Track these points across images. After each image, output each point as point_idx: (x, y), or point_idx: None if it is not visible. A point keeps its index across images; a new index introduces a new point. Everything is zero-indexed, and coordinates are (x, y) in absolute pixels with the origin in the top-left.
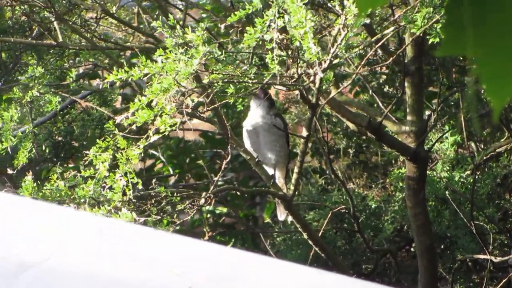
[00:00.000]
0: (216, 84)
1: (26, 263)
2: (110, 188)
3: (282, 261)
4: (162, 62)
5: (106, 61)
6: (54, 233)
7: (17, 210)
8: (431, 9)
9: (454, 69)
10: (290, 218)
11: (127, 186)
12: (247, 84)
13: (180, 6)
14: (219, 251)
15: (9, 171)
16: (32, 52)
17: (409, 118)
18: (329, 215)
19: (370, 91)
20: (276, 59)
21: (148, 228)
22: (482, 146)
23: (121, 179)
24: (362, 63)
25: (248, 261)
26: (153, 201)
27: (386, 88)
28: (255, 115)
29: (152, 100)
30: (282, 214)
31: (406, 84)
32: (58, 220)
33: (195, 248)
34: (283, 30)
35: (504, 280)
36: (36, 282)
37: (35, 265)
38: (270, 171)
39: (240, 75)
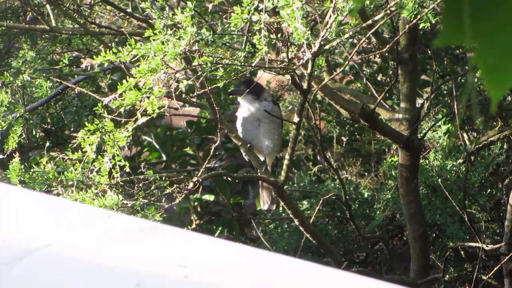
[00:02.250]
0: (205, 67)
1: (26, 249)
2: (98, 171)
3: (281, 255)
4: (151, 43)
5: (101, 47)
6: (55, 222)
7: (17, 200)
8: None
9: (447, 58)
10: (273, 208)
11: (114, 168)
12: (236, 67)
13: None
14: (219, 245)
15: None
16: (25, 37)
17: (402, 105)
18: (321, 201)
19: (364, 79)
20: (264, 40)
21: (149, 221)
22: (475, 135)
23: (108, 162)
24: (355, 49)
25: (247, 255)
26: (141, 185)
27: (379, 77)
28: (253, 103)
29: (140, 81)
30: (265, 204)
31: (399, 71)
32: (59, 210)
33: (196, 241)
34: (275, 13)
35: (495, 268)
36: (36, 268)
37: (35, 251)
38: (262, 158)
39: (230, 58)
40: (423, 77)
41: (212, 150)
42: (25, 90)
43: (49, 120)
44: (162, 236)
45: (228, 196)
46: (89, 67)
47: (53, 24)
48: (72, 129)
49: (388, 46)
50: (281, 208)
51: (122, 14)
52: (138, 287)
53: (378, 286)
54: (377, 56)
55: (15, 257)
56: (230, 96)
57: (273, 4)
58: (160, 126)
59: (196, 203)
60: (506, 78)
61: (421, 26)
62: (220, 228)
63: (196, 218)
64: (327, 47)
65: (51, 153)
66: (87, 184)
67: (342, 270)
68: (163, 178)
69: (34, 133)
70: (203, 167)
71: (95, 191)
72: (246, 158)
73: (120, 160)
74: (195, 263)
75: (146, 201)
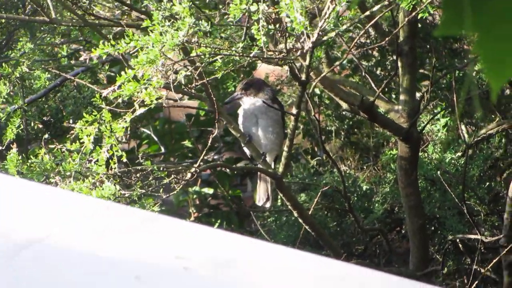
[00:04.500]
0: (203, 58)
1: (25, 241)
2: (96, 161)
3: (281, 247)
4: (149, 34)
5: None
6: (54, 213)
7: (15, 191)
8: None
9: (445, 52)
10: (267, 206)
11: (111, 159)
12: (234, 58)
13: None
14: (219, 236)
15: None
16: (25, 29)
17: (401, 98)
18: (319, 193)
19: (363, 72)
20: (263, 30)
21: (149, 212)
22: (473, 128)
23: (105, 152)
24: (354, 41)
25: (247, 247)
26: (138, 175)
27: (378, 71)
28: (251, 100)
29: (138, 73)
30: (260, 200)
31: (399, 64)
32: (58, 201)
33: (196, 232)
34: (273, 3)
35: (494, 261)
36: (36, 259)
37: (35, 242)
38: (261, 151)
39: (228, 48)
40: (421, 71)
41: (209, 141)
42: (24, 82)
43: (48, 112)
44: (162, 227)
45: (227, 189)
46: (87, 60)
47: (53, 15)
48: (71, 121)
49: (387, 38)
50: (280, 201)
51: (122, 7)
52: (137, 279)
53: (377, 276)
54: (376, 50)
55: (15, 248)
56: (229, 89)
57: None
58: (159, 119)
59: (194, 196)
60: (506, 68)
61: (419, 16)
62: (218, 221)
63: (194, 211)
64: (325, 38)
65: (50, 145)
66: (84, 175)
67: (342, 261)
68: (161, 169)
69: (32, 125)
70: (201, 157)
71: (92, 181)
72: (245, 150)
73: (117, 151)
74: (195, 255)
75: (143, 191)
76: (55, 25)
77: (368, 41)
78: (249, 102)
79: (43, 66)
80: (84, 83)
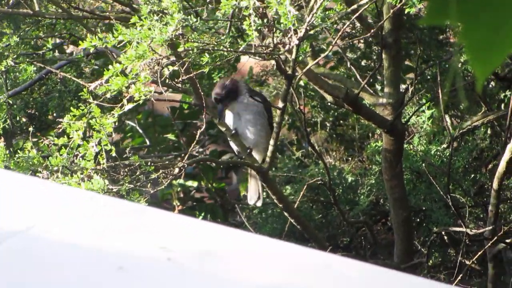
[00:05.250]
0: (191, 53)
1: (8, 231)
2: (83, 156)
3: (267, 238)
4: (137, 29)
5: (85, 32)
6: (38, 204)
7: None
8: None
9: (431, 43)
10: (259, 203)
11: (100, 154)
12: (222, 53)
13: None
14: (205, 227)
15: None
16: (8, 21)
17: (386, 90)
18: (305, 186)
19: (348, 64)
20: (254, 25)
21: (134, 203)
22: (459, 120)
23: (94, 147)
24: (340, 34)
25: (232, 238)
26: (126, 170)
27: (363, 62)
28: (231, 102)
29: (126, 67)
30: (251, 199)
31: (383, 56)
32: (42, 191)
33: (181, 223)
34: None
35: (479, 253)
36: (18, 250)
37: (17, 234)
38: (247, 145)
39: (216, 43)
40: (407, 62)
41: (198, 136)
42: (8, 75)
43: (33, 105)
44: (147, 218)
45: (211, 182)
46: (74, 52)
47: (36, 8)
48: (55, 114)
49: (372, 30)
50: (265, 193)
51: None
52: (121, 270)
53: (362, 268)
54: (361, 41)
55: None
56: (215, 80)
57: None
58: (142, 112)
59: (179, 189)
60: (492, 58)
61: (406, 11)
62: (203, 214)
63: (178, 204)
64: (312, 32)
65: (35, 138)
66: (72, 170)
67: (328, 253)
68: (148, 164)
69: (17, 118)
70: (189, 152)
71: (80, 176)
72: (231, 144)
73: (106, 145)
74: (179, 246)
75: (132, 186)
76: (39, 17)
77: (354, 31)
78: (229, 104)
79: (27, 59)
80: (68, 76)
